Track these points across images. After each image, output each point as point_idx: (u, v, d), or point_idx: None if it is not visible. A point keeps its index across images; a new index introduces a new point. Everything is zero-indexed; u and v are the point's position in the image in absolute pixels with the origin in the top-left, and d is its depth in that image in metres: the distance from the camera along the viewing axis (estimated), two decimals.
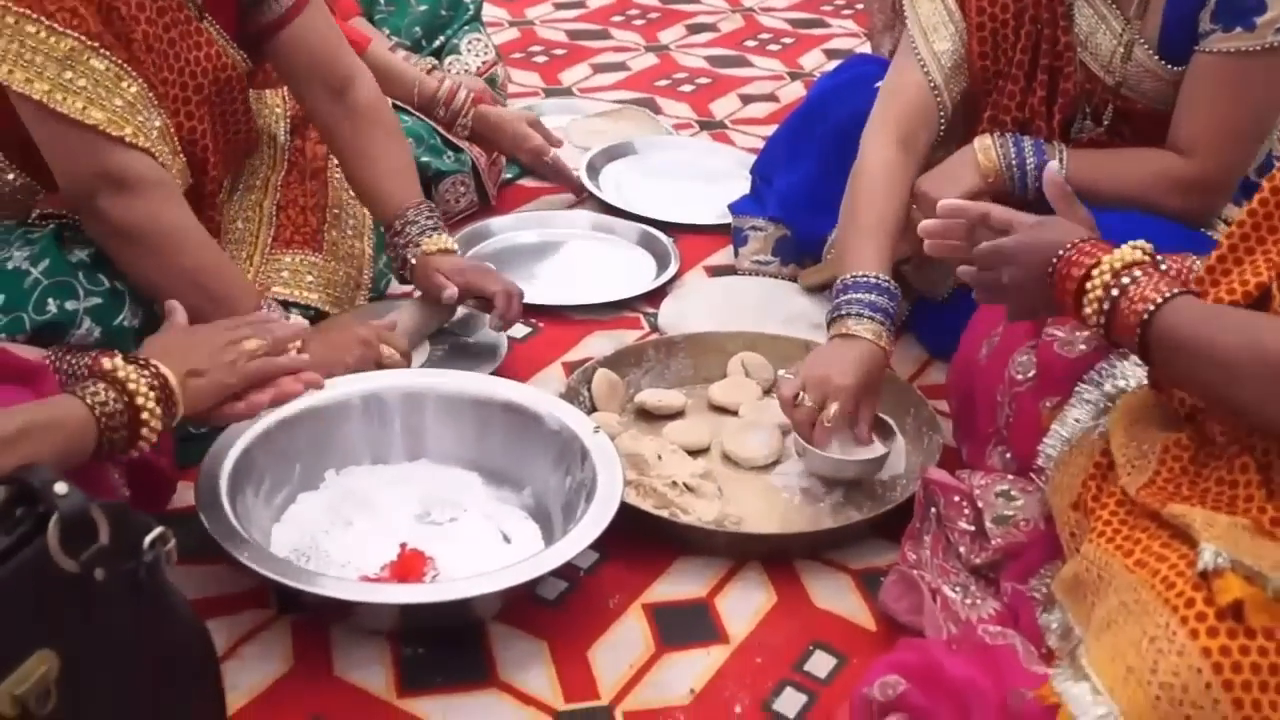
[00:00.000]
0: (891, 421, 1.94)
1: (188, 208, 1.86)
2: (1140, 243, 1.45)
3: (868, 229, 1.98)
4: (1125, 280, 1.39)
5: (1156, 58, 1.99)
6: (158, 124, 1.82)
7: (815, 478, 1.90)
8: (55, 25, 1.69)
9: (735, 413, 2.06)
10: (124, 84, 1.77)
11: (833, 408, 1.80)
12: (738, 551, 1.77)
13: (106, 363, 1.46)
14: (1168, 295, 1.36)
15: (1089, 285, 1.42)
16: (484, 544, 1.73)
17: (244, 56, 2.03)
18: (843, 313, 1.88)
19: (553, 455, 1.79)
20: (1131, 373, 1.56)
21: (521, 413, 1.84)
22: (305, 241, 2.19)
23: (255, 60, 2.08)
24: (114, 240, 1.81)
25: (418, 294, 2.14)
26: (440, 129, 2.67)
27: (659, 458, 1.86)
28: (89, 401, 1.41)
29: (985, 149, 2.04)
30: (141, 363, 1.49)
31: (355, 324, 2.02)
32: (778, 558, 1.77)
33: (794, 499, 1.88)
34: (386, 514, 1.76)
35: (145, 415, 1.45)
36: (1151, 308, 1.35)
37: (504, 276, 2.14)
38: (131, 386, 1.45)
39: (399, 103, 2.60)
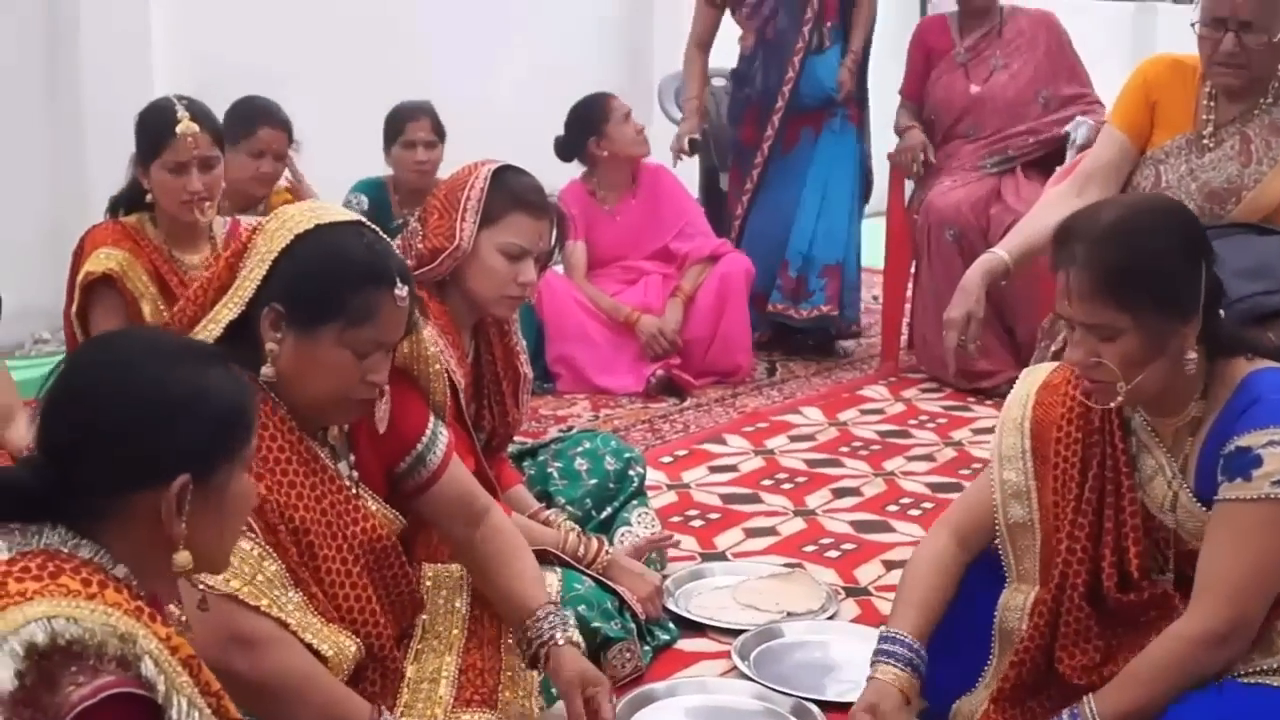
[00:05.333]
0: None
1: (307, 653, 2.09)
2: None
3: (910, 602, 2.47)
4: None
5: (1198, 504, 2.23)
6: (296, 599, 2.10)
7: None
8: None
9: None
10: (265, 563, 2.07)
11: None
12: None
13: None
14: None
15: None
16: None
17: (397, 515, 2.34)
18: (877, 660, 2.42)
19: None
20: None
21: None
22: (483, 700, 2.42)
23: (405, 514, 2.37)
24: (254, 697, 1.98)
25: None
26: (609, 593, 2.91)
27: None
28: None
29: None
30: None
31: None
32: None
33: None
34: None
35: None
36: None
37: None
38: None
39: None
